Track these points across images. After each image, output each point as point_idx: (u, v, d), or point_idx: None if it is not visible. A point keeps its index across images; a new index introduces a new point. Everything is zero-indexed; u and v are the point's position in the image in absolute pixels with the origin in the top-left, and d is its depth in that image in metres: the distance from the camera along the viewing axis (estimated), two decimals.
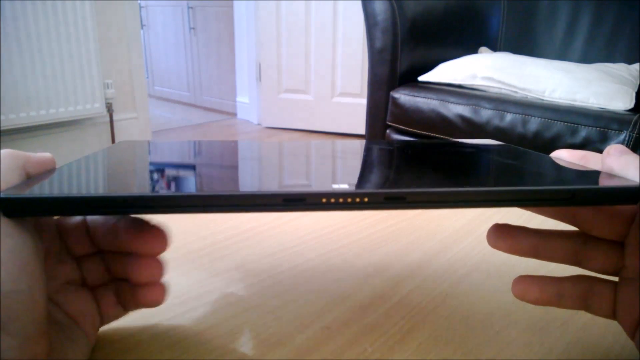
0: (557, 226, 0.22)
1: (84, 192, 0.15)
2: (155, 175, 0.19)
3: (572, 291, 0.20)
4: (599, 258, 0.20)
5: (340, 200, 0.16)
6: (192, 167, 0.20)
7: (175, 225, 0.35)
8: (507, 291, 0.27)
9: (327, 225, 0.36)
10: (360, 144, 0.27)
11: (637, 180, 0.17)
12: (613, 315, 0.20)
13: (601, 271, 0.20)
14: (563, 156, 0.22)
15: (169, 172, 0.19)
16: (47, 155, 0.19)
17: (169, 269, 0.29)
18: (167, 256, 0.31)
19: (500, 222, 0.22)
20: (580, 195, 0.16)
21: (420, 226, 0.36)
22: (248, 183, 0.18)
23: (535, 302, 0.21)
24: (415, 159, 0.24)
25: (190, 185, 0.17)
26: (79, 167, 0.19)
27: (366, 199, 0.16)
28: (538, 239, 0.21)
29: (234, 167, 0.22)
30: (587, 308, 0.20)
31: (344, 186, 0.16)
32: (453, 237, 0.35)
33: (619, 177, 0.18)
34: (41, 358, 0.16)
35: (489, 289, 0.28)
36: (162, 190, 0.16)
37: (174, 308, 0.25)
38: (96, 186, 0.17)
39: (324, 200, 0.16)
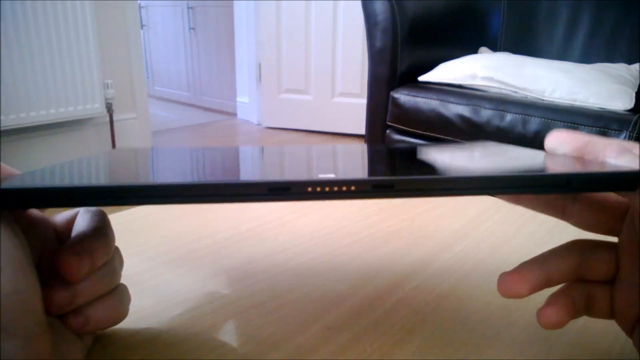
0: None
1: (76, 183, 0.15)
2: (141, 168, 0.18)
3: (579, 298, 0.20)
4: (599, 267, 0.20)
5: (327, 189, 0.15)
6: (180, 162, 0.20)
7: (175, 224, 0.35)
8: None
9: (327, 226, 0.36)
10: (356, 147, 0.27)
11: (635, 166, 0.17)
12: (611, 315, 0.20)
13: (603, 279, 0.20)
14: (557, 142, 0.20)
15: (157, 167, 0.19)
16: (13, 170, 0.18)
17: (169, 269, 0.29)
18: (167, 256, 0.31)
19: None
20: (576, 181, 0.16)
21: (420, 226, 0.36)
22: (233, 174, 0.18)
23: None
24: (407, 155, 0.24)
25: (174, 176, 0.17)
26: (70, 166, 0.19)
27: (353, 187, 0.15)
28: (547, 270, 0.20)
29: (221, 161, 0.21)
30: (588, 312, 0.20)
31: (330, 175, 0.16)
32: (453, 237, 0.35)
33: (616, 165, 0.17)
34: (45, 357, 0.16)
35: (489, 289, 0.28)
36: (140, 180, 0.16)
37: (173, 308, 0.25)
38: (88, 179, 0.17)
39: (309, 189, 0.15)
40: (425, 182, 0.16)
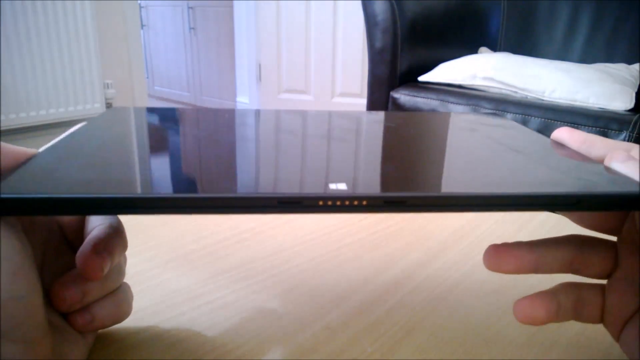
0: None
1: (81, 190, 0.15)
2: (146, 170, 0.18)
3: (565, 300, 0.20)
4: (596, 263, 0.20)
5: (338, 203, 0.15)
6: (184, 159, 0.20)
7: (175, 225, 0.35)
8: (506, 291, 0.27)
9: (327, 226, 0.36)
10: (362, 119, 0.26)
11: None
12: (600, 319, 0.20)
13: (597, 276, 0.20)
14: (564, 138, 0.21)
15: (161, 164, 0.18)
16: (30, 151, 0.17)
17: (169, 269, 0.29)
18: (167, 256, 0.31)
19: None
20: (586, 201, 0.16)
21: (420, 226, 0.36)
22: (242, 181, 0.18)
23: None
24: (417, 146, 0.23)
25: (183, 184, 0.17)
26: (73, 147, 0.18)
27: (365, 202, 0.15)
28: (537, 254, 0.20)
29: (229, 159, 0.21)
30: (577, 317, 0.20)
31: (341, 187, 0.16)
32: (453, 237, 0.35)
33: (623, 177, 0.17)
34: (45, 359, 0.16)
35: (488, 289, 0.28)
36: (151, 191, 0.15)
37: (174, 308, 0.25)
38: (97, 183, 0.16)
39: (320, 202, 0.15)
40: (437, 199, 0.16)
